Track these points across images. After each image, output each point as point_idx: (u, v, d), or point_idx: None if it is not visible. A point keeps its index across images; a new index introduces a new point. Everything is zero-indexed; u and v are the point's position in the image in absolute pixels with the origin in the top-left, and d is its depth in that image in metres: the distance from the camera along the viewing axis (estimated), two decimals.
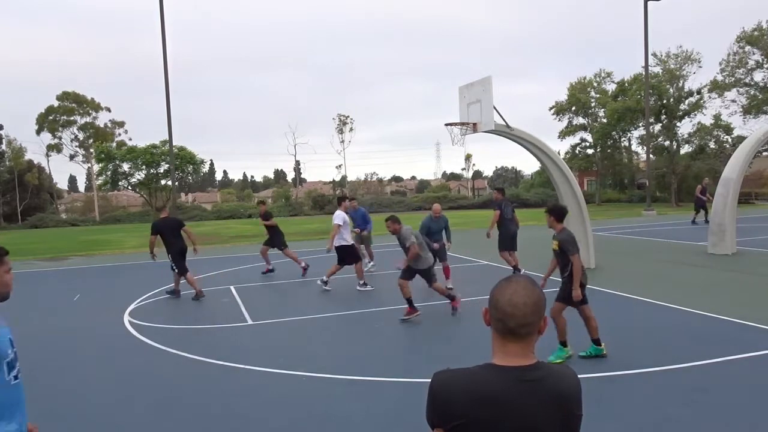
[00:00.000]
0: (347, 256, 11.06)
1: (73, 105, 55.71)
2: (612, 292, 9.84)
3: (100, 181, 47.57)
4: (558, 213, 6.54)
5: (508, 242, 11.55)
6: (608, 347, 6.64)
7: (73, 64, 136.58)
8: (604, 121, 43.79)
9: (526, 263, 11.86)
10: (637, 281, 10.82)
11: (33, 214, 48.07)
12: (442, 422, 1.66)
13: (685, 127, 45.89)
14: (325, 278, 11.01)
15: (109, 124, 58.31)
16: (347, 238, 11.11)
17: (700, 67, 40.70)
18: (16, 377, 2.39)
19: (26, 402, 2.49)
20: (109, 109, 57.98)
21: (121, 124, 59.01)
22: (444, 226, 10.67)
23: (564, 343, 6.36)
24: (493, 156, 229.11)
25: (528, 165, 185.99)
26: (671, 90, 40.98)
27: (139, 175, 44.99)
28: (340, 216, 11.07)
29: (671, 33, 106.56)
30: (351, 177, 77.87)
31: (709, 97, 40.53)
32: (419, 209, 44.69)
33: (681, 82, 40.90)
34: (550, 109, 46.44)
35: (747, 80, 39.29)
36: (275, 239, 13.09)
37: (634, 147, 48.41)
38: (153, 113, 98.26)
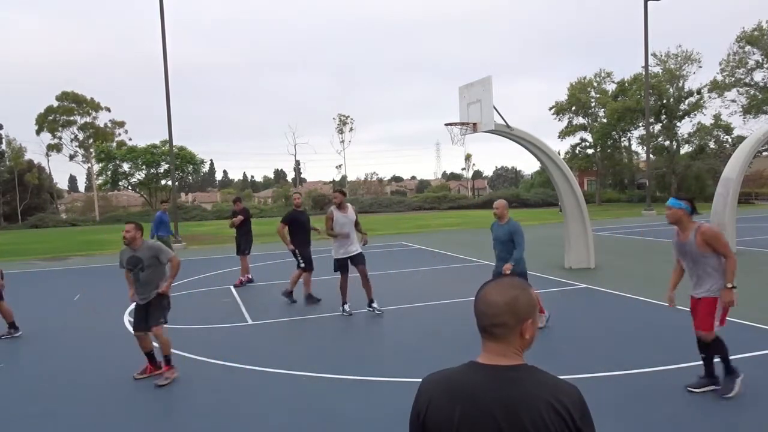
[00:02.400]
0: None
1: (73, 105, 55.78)
2: (612, 292, 9.84)
3: (100, 181, 47.61)
4: None
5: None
6: (609, 347, 6.64)
7: (73, 63, 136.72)
8: (604, 121, 43.81)
9: (529, 263, 11.75)
10: (637, 281, 10.81)
11: (33, 214, 48.13)
12: (420, 420, 1.67)
13: (685, 127, 46.06)
14: None
15: (109, 124, 58.49)
16: None
17: (700, 67, 40.85)
18: None
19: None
20: (109, 109, 58.16)
21: (121, 124, 59.16)
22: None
23: None
24: (493, 156, 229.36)
25: (528, 165, 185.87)
26: (671, 90, 41.06)
27: (139, 175, 45.15)
28: None
29: (671, 33, 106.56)
30: (351, 177, 77.99)
31: (709, 97, 40.65)
32: (418, 209, 44.70)
33: (681, 82, 40.99)
34: (550, 109, 46.54)
35: (747, 80, 39.35)
36: None
37: (634, 147, 48.55)
38: (153, 113, 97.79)
